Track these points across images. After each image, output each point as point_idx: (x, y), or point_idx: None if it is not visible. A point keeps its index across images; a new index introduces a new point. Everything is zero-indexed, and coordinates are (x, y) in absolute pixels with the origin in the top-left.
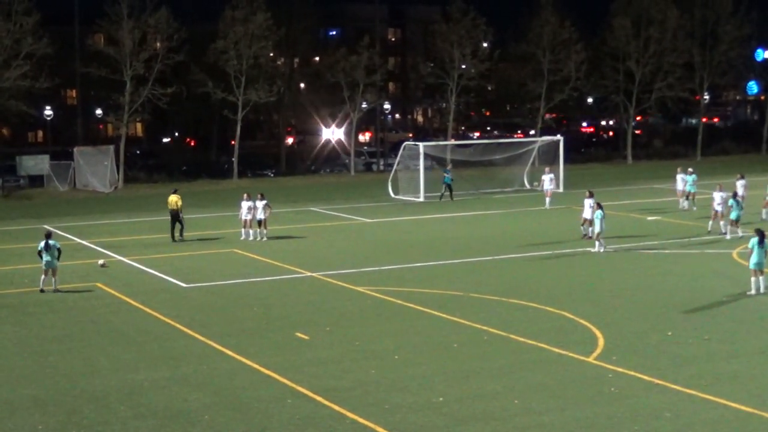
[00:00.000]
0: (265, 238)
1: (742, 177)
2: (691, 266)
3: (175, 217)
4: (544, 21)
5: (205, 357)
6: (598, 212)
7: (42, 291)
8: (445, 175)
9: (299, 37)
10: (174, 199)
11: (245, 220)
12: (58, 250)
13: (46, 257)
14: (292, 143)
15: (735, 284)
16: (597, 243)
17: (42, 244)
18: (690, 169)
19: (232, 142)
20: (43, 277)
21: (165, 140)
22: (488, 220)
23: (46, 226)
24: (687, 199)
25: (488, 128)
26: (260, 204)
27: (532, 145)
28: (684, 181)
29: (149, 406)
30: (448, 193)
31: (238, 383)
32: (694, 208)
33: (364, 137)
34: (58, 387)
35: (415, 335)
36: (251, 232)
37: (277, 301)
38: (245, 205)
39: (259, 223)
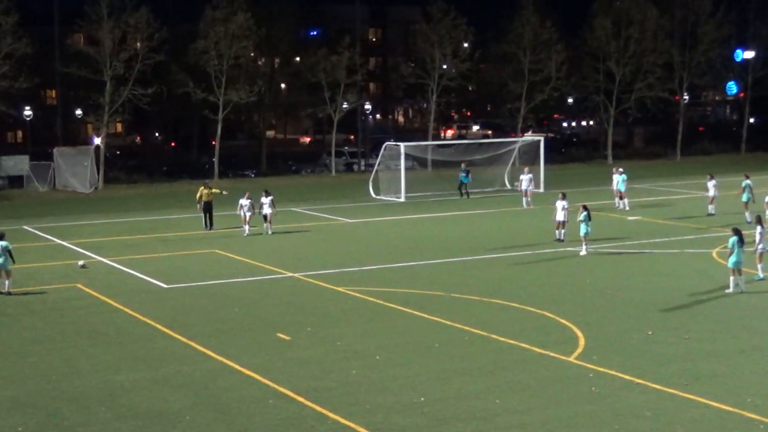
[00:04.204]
0: (270, 232)
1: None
2: (671, 266)
3: (207, 208)
4: (524, 21)
5: (186, 358)
6: (583, 214)
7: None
8: (462, 174)
9: (280, 37)
10: (206, 192)
11: (245, 216)
12: (9, 251)
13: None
14: (310, 142)
15: (715, 283)
16: (584, 245)
17: None
18: (620, 169)
19: (213, 142)
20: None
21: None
22: (469, 220)
23: (26, 227)
24: (621, 198)
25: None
26: (266, 200)
27: (512, 145)
28: (617, 180)
29: (130, 407)
30: (465, 191)
31: (219, 384)
32: (627, 208)
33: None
34: (38, 388)
35: (397, 335)
36: (247, 228)
37: (258, 302)
38: (245, 203)
39: (265, 218)
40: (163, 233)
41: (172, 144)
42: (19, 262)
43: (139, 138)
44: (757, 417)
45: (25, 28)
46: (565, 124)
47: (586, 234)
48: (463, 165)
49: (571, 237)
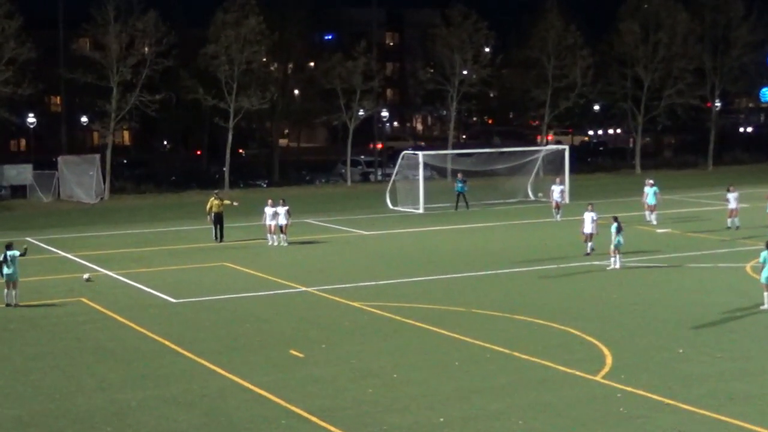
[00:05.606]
0: (285, 244)
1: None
2: (702, 280)
3: (218, 219)
4: (548, 25)
5: (195, 375)
6: (614, 225)
7: (8, 305)
8: (458, 184)
9: (293, 42)
10: (217, 203)
11: (269, 225)
12: (21, 254)
13: (6, 270)
14: (382, 148)
15: (748, 299)
16: (613, 258)
17: (1, 256)
18: (651, 181)
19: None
20: (5, 291)
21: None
22: (491, 233)
23: (29, 239)
24: (652, 212)
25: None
26: (282, 210)
27: (536, 155)
28: (647, 193)
29: (137, 428)
30: (462, 203)
31: (229, 403)
32: (654, 222)
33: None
34: (41, 407)
35: (414, 353)
36: (275, 237)
37: (271, 317)
38: (269, 211)
39: (280, 228)
40: (172, 245)
41: (197, 153)
42: (22, 275)
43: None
44: None
45: (29, 33)
46: (591, 133)
47: (618, 246)
48: (459, 175)
49: (599, 250)
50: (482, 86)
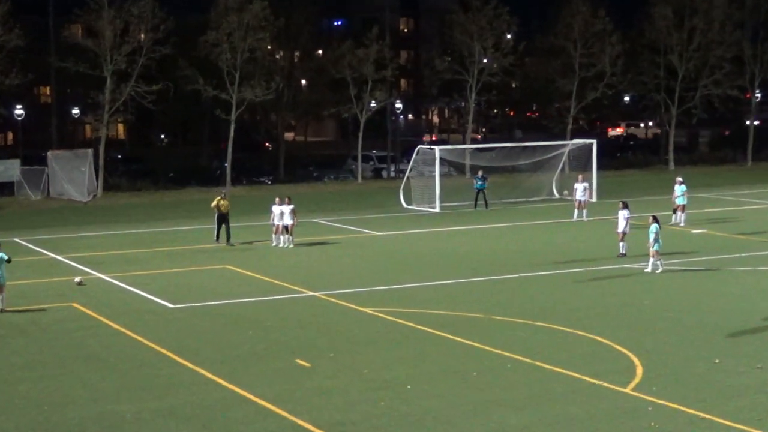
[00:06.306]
0: (291, 245)
1: None
2: (741, 285)
3: (223, 220)
4: (575, 10)
5: (195, 386)
6: (654, 226)
7: None
8: (477, 181)
9: (300, 28)
10: (224, 203)
11: (277, 225)
12: (7, 261)
13: None
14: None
15: None
16: (651, 261)
17: None
18: (680, 179)
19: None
20: None
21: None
22: (512, 233)
23: (16, 239)
24: (675, 212)
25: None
26: (287, 209)
27: (561, 150)
28: (676, 193)
29: None
30: (481, 201)
31: (231, 416)
32: (682, 224)
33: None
34: (29, 419)
35: (430, 362)
36: (282, 238)
37: (275, 324)
38: (276, 210)
39: (286, 228)
40: (170, 247)
41: (222, 146)
42: (9, 278)
43: None
44: None
45: (17, 18)
46: (650, 124)
47: (659, 247)
48: (479, 172)
49: (632, 252)
50: (503, 76)
